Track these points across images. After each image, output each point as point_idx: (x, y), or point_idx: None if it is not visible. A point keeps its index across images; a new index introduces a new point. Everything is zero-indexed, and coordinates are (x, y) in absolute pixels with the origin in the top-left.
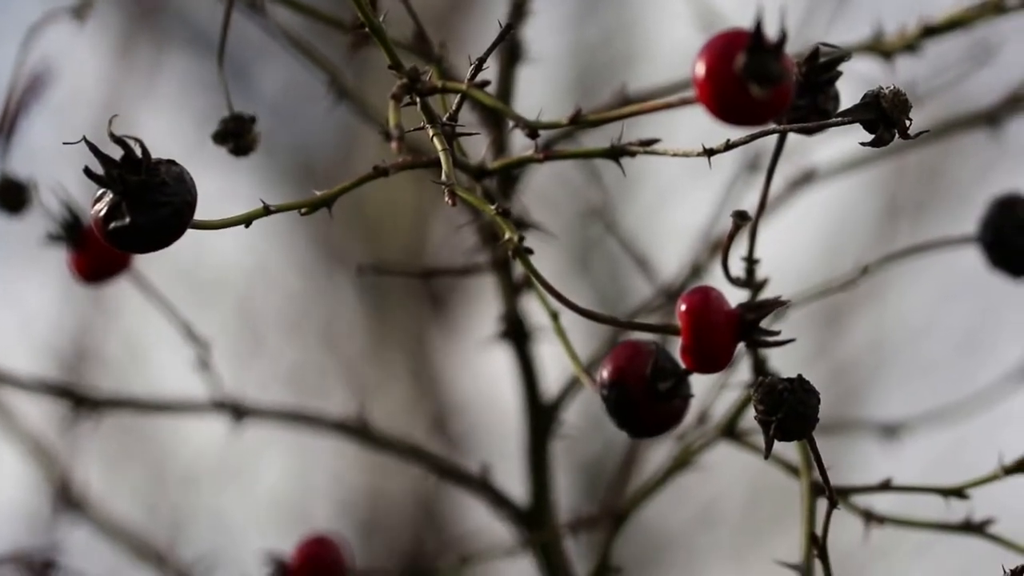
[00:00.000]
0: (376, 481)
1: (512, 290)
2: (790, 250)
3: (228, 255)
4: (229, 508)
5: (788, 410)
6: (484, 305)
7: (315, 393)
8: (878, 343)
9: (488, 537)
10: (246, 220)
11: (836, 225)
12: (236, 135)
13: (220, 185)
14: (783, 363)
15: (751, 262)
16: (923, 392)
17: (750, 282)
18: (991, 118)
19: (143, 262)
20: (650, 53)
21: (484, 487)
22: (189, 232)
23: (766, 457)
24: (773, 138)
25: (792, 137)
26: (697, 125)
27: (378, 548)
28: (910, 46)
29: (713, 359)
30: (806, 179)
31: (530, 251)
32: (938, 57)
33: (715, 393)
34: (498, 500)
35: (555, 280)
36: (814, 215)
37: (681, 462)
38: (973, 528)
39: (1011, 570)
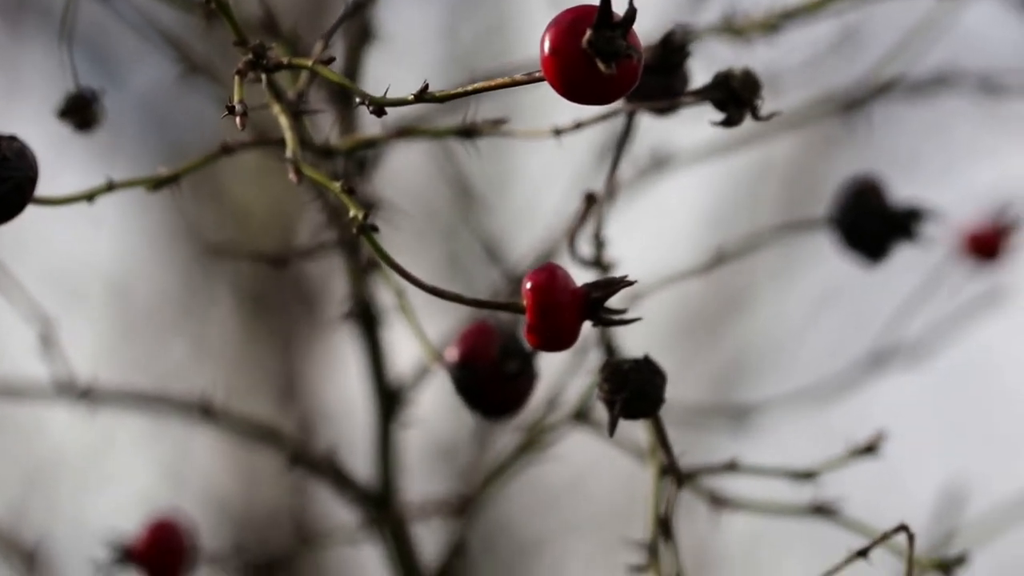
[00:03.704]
0: (250, 488)
1: (359, 270)
2: (670, 242)
3: (101, 258)
4: (97, 510)
5: (633, 389)
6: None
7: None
8: (754, 349)
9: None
10: (88, 196)
11: (719, 216)
12: (79, 110)
13: (92, 183)
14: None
15: (599, 243)
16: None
17: (598, 263)
18: (850, 104)
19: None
20: (527, 53)
21: (331, 469)
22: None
23: (610, 435)
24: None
25: (656, 124)
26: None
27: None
28: (768, 27)
29: (558, 338)
30: (658, 164)
31: (375, 228)
32: (805, 46)
33: (567, 377)
34: (344, 482)
35: (426, 280)
36: (699, 206)
37: (530, 443)
38: (824, 511)
39: (856, 551)
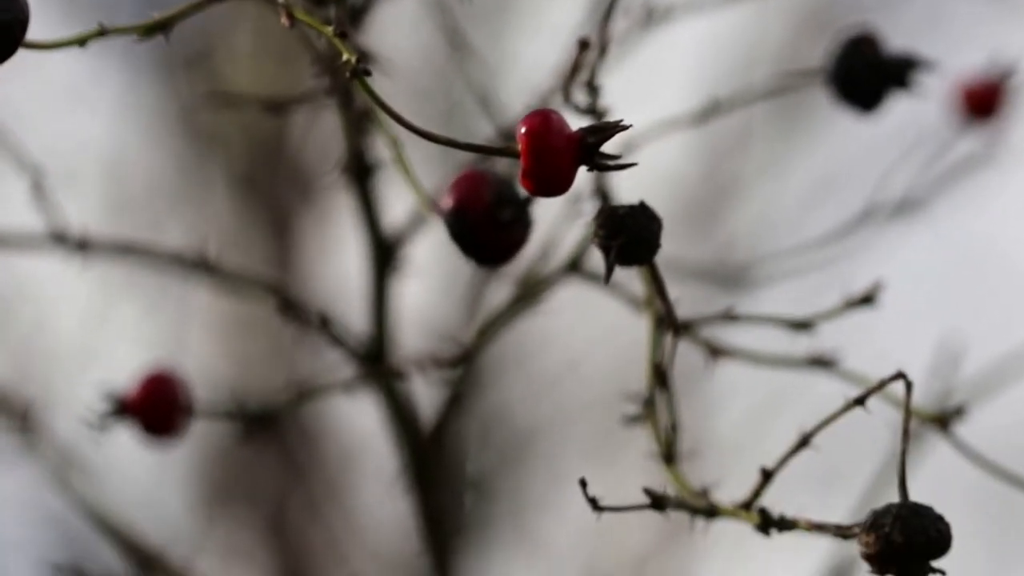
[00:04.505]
0: (246, 374)
1: (352, 121)
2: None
3: (95, 144)
4: (87, 390)
5: (629, 235)
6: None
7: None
8: (751, 237)
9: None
10: (80, 40)
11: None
12: None
13: (90, 75)
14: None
15: (593, 90)
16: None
17: (593, 109)
18: None
19: None
20: None
21: (323, 325)
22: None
23: (606, 282)
24: None
25: None
26: None
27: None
28: None
29: (553, 182)
30: (651, 16)
31: (368, 72)
32: None
33: (561, 227)
34: (336, 338)
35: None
36: (693, 81)
37: (524, 294)
38: (822, 363)
39: (853, 399)
